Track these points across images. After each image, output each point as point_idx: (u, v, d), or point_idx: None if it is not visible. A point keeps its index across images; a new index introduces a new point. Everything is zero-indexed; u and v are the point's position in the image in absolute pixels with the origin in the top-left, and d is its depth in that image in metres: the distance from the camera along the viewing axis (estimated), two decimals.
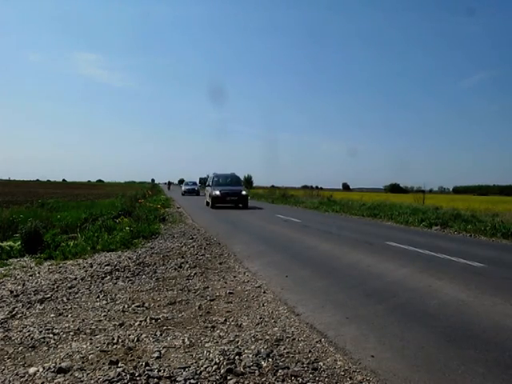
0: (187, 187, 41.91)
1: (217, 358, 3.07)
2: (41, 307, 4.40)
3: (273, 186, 55.54)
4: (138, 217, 12.81)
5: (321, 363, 3.07)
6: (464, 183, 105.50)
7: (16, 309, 4.31)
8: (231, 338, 3.52)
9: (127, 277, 5.81)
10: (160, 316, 4.10)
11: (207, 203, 21.53)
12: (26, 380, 2.75)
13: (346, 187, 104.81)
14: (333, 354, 3.25)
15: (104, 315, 4.13)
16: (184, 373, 2.84)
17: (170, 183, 67.69)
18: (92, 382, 2.70)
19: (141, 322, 3.92)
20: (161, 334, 3.60)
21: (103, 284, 5.42)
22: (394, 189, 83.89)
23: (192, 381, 2.73)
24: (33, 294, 4.89)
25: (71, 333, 3.62)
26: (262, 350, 3.25)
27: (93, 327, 3.77)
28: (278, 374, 2.88)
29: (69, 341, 3.45)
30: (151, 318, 4.00)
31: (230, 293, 5.01)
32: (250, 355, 3.15)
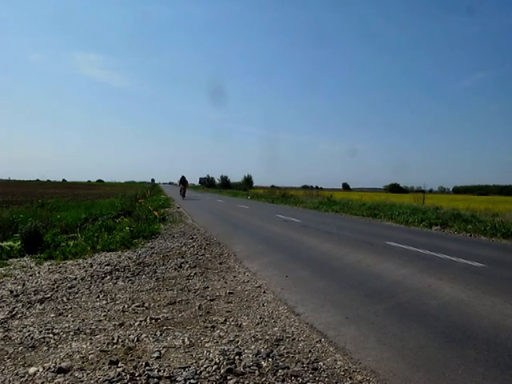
0: None
1: (217, 358, 3.07)
2: (41, 307, 4.40)
3: (273, 186, 55.71)
4: (137, 217, 12.82)
5: (321, 363, 3.08)
6: (464, 183, 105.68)
7: (16, 309, 4.31)
8: (231, 338, 3.52)
9: (127, 277, 5.81)
10: (160, 316, 4.10)
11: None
12: (26, 380, 2.75)
13: (346, 187, 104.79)
14: (333, 354, 3.25)
15: (104, 315, 4.13)
16: (184, 373, 2.84)
17: (184, 182, 33.71)
18: (92, 382, 2.70)
19: (141, 321, 3.92)
20: (161, 334, 3.60)
21: (103, 284, 5.42)
22: (394, 189, 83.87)
23: (192, 381, 2.73)
24: (33, 293, 4.88)
25: (71, 333, 3.62)
26: (262, 350, 3.25)
27: (93, 327, 3.77)
28: (278, 373, 2.88)
29: (69, 341, 3.45)
30: (151, 318, 4.00)
31: (230, 293, 5.01)
32: (250, 355, 3.15)
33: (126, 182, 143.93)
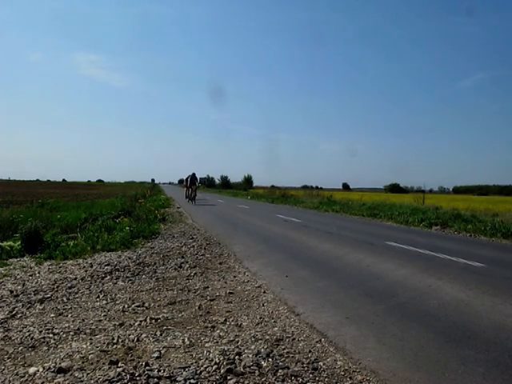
0: None
1: (217, 358, 3.07)
2: (41, 307, 4.40)
3: (273, 186, 55.77)
4: (137, 217, 12.81)
5: (321, 363, 3.07)
6: (464, 183, 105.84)
7: (16, 309, 4.31)
8: (231, 338, 3.52)
9: (127, 277, 5.81)
10: (160, 316, 4.10)
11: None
12: (26, 380, 2.75)
13: (346, 187, 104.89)
14: (333, 354, 3.24)
15: (104, 315, 4.13)
16: (184, 373, 2.84)
17: (194, 181, 25.49)
18: (92, 381, 2.70)
19: (141, 321, 3.92)
20: (161, 334, 3.60)
21: (103, 284, 5.42)
22: (394, 189, 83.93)
23: (192, 381, 2.73)
24: (33, 293, 4.88)
25: (71, 333, 3.62)
26: (262, 350, 3.25)
27: (93, 327, 3.77)
28: (278, 373, 2.88)
29: (69, 341, 3.45)
30: (151, 318, 4.00)
31: (230, 293, 5.01)
32: (250, 355, 3.15)
33: (125, 182, 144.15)
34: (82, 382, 2.71)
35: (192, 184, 25.26)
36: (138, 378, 2.74)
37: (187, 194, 26.20)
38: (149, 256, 7.40)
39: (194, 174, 25.68)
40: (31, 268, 6.40)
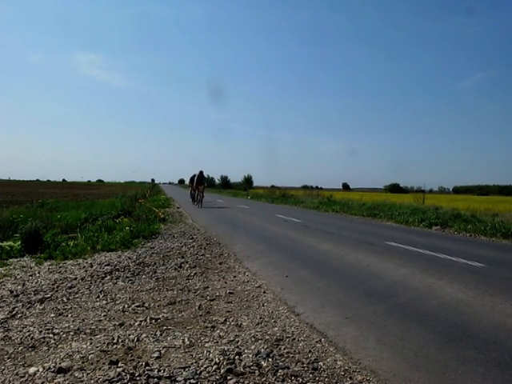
0: None
1: (217, 358, 3.07)
2: (41, 307, 4.40)
3: (273, 186, 55.73)
4: (137, 217, 12.82)
5: (321, 363, 3.07)
6: (464, 183, 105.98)
7: (16, 309, 4.31)
8: (231, 338, 3.52)
9: (127, 277, 5.81)
10: (160, 316, 4.10)
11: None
12: (26, 380, 2.75)
13: (346, 187, 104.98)
14: (333, 354, 3.24)
15: (104, 315, 4.13)
16: (184, 373, 2.84)
17: (202, 181, 21.31)
18: (92, 381, 2.70)
19: (141, 321, 3.92)
20: (161, 334, 3.60)
21: (103, 284, 5.42)
22: (394, 189, 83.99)
23: (192, 381, 2.73)
24: (33, 293, 4.89)
25: (71, 333, 3.62)
26: (262, 350, 3.25)
27: (93, 327, 3.77)
28: (278, 373, 2.88)
29: (69, 341, 3.45)
30: (151, 318, 4.00)
31: (230, 293, 5.01)
32: (250, 355, 3.15)
33: (125, 182, 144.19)
34: (81, 382, 2.71)
35: (199, 184, 21.25)
36: (137, 378, 2.74)
37: (193, 196, 22.82)
38: (149, 256, 7.40)
39: (201, 173, 21.67)
40: (31, 268, 6.40)
